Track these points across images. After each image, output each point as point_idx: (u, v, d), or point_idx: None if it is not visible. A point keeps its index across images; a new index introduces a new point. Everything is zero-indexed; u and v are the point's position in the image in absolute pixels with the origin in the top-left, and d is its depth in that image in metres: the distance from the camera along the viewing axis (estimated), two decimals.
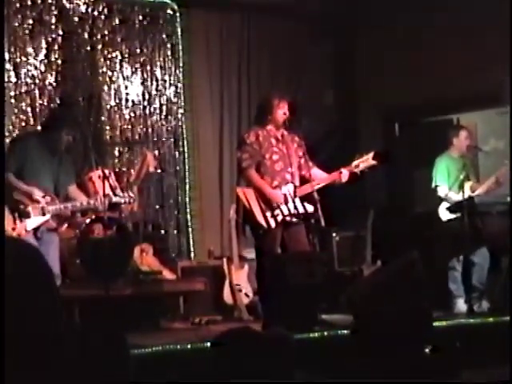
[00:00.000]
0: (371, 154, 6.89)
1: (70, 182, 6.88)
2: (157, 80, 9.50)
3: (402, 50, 9.72)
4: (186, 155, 9.67)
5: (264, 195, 6.72)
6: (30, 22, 8.66)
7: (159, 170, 9.34)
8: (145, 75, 9.42)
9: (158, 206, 9.46)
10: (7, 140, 7.76)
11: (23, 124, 8.56)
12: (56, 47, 8.81)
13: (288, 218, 6.74)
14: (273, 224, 6.70)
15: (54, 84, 8.79)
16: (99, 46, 9.11)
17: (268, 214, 6.71)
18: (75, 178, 7.04)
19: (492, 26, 8.81)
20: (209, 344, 2.87)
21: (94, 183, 7.52)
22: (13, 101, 8.54)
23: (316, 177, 6.91)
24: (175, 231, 9.54)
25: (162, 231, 9.33)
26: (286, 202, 6.74)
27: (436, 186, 8.18)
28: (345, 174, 6.80)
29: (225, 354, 2.63)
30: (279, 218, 6.70)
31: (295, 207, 6.73)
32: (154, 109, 9.50)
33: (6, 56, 8.45)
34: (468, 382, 2.24)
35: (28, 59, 8.65)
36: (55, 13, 8.80)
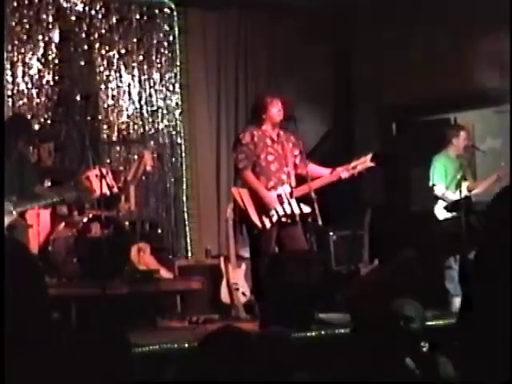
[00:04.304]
0: (369, 156, 6.91)
1: (35, 183, 6.96)
2: (154, 79, 9.50)
3: (400, 50, 9.72)
4: (184, 154, 9.68)
5: (259, 196, 6.72)
6: (28, 20, 8.66)
7: (156, 169, 9.33)
8: (142, 74, 9.42)
9: (155, 205, 9.46)
10: None
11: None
12: (53, 46, 8.81)
13: (283, 219, 6.74)
14: (268, 224, 6.70)
15: (52, 83, 8.79)
16: (96, 45, 9.10)
17: (263, 214, 6.71)
18: (38, 179, 7.15)
19: (492, 25, 8.80)
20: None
21: (91, 182, 7.51)
22: (10, 100, 8.53)
23: (314, 172, 6.92)
24: (172, 230, 9.54)
25: (160, 230, 9.31)
26: (282, 203, 6.73)
27: (433, 185, 8.20)
28: (345, 175, 6.82)
29: (216, 353, 2.63)
30: (274, 218, 6.70)
31: (291, 208, 6.73)
32: (152, 108, 9.49)
33: (5, 55, 8.45)
34: (468, 381, 2.24)
35: (25, 58, 8.64)
36: (52, 12, 8.80)
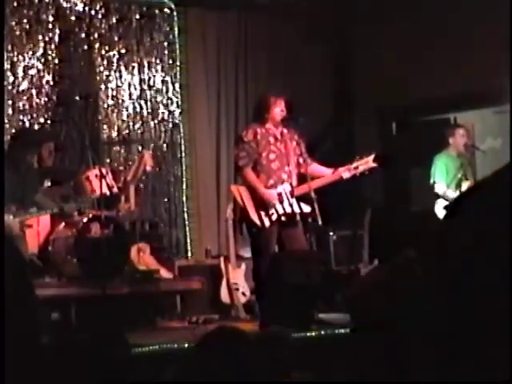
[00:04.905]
0: (372, 157, 6.87)
1: (35, 191, 7.06)
2: (154, 79, 9.50)
3: (399, 50, 9.72)
4: (183, 154, 9.67)
5: (258, 195, 6.71)
6: (28, 20, 8.66)
7: (156, 169, 9.32)
8: (142, 74, 9.42)
9: (155, 205, 9.46)
10: None
11: (20, 123, 8.57)
12: (53, 46, 8.81)
13: (283, 218, 6.73)
14: (267, 223, 6.69)
15: (52, 83, 8.79)
16: (96, 45, 9.10)
17: (262, 212, 6.70)
18: (39, 187, 7.31)
19: (491, 25, 8.80)
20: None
21: (91, 182, 7.53)
22: (10, 100, 8.53)
23: (316, 172, 6.90)
24: (172, 230, 9.54)
25: (160, 230, 9.32)
26: (281, 202, 6.72)
27: (434, 183, 8.23)
28: (346, 175, 6.80)
29: (213, 353, 2.63)
30: (274, 217, 6.69)
31: (291, 207, 6.72)
32: (151, 107, 9.49)
33: (5, 55, 8.44)
34: (468, 381, 2.23)
35: (25, 58, 8.64)
36: (52, 12, 8.80)
